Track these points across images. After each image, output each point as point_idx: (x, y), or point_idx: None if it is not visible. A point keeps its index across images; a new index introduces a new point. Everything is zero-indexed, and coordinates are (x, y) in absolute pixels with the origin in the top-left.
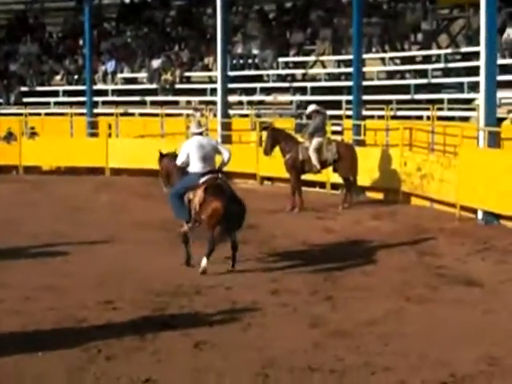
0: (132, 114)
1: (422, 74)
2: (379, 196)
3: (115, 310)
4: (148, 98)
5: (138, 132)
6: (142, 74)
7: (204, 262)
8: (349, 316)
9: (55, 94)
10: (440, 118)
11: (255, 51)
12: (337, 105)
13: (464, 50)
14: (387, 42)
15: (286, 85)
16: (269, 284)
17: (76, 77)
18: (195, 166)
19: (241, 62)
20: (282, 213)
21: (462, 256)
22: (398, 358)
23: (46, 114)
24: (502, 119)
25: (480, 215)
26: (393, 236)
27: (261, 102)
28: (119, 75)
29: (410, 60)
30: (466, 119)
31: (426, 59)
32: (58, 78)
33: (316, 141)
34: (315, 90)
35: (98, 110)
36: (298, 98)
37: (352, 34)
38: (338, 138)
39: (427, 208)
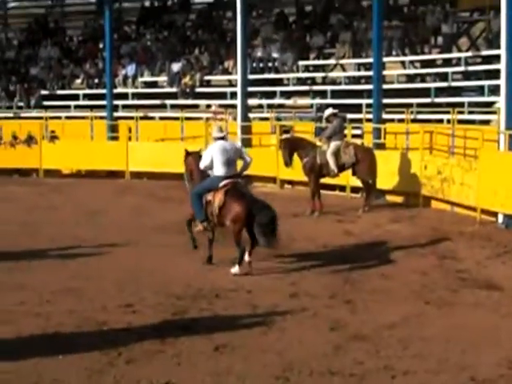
0: (152, 118)
1: (443, 77)
2: (399, 199)
3: (135, 314)
4: (168, 102)
5: (158, 135)
6: (162, 78)
7: (237, 268)
8: (368, 319)
9: (75, 97)
10: (460, 122)
11: (275, 54)
12: (357, 108)
13: (484, 53)
14: (407, 45)
15: (306, 88)
16: (288, 287)
17: (96, 80)
18: (218, 170)
19: (261, 65)
20: (302, 216)
21: (483, 260)
22: (417, 362)
23: (67, 118)
24: None
25: (501, 219)
26: (413, 239)
27: (281, 106)
28: (139, 79)
29: (431, 63)
30: (486, 122)
31: (447, 62)
32: (78, 81)
33: (334, 144)
34: (335, 94)
35: (118, 113)
36: (318, 101)
37: (372, 37)
38: (359, 141)
39: (447, 211)
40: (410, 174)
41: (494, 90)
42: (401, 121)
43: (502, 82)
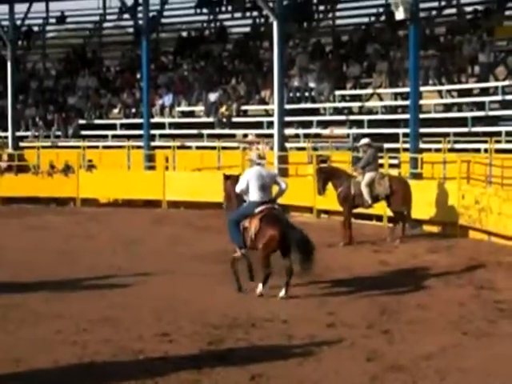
0: (189, 147)
1: (480, 106)
2: (436, 229)
3: (172, 343)
4: (205, 131)
5: (194, 165)
6: (199, 108)
7: (260, 287)
8: (405, 350)
9: (113, 127)
10: (498, 151)
11: (312, 84)
12: (394, 138)
13: None
14: (444, 74)
15: (343, 118)
16: (325, 317)
17: (133, 110)
18: (254, 195)
19: (297, 95)
20: (338, 246)
21: None
22: None
23: (104, 147)
24: None
25: None
26: (450, 269)
27: (317, 135)
28: (176, 108)
29: (467, 92)
30: None
31: (484, 91)
32: (115, 111)
33: (368, 175)
34: (372, 123)
35: (155, 143)
36: (355, 131)
37: (408, 66)
38: (395, 171)
39: (485, 241)
40: (448, 204)
41: None
42: (438, 150)
43: None
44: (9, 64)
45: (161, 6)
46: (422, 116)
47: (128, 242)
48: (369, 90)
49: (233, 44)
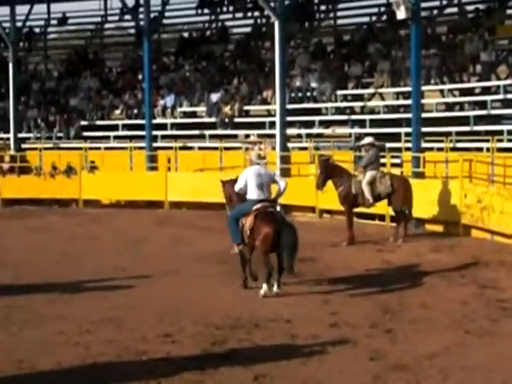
0: (191, 148)
1: (482, 105)
2: (439, 228)
3: (175, 343)
4: (207, 132)
5: (197, 166)
6: (201, 108)
7: (264, 287)
8: (409, 349)
9: (115, 128)
10: (500, 150)
11: (313, 84)
12: (396, 137)
13: None
14: (446, 73)
15: (345, 117)
16: (328, 317)
17: (135, 111)
18: (252, 193)
19: (299, 95)
20: (341, 246)
21: None
22: None
23: (106, 148)
24: None
25: None
26: (452, 269)
27: (319, 135)
28: (178, 109)
29: (469, 91)
30: None
31: (485, 90)
32: (117, 112)
33: (369, 174)
34: (374, 123)
35: (157, 143)
36: (357, 130)
37: (410, 65)
38: (398, 170)
39: (488, 240)
40: (450, 203)
41: None
42: (440, 149)
43: None
44: (10, 66)
45: (162, 6)
46: (423, 115)
47: (131, 243)
48: (371, 90)
49: (234, 44)
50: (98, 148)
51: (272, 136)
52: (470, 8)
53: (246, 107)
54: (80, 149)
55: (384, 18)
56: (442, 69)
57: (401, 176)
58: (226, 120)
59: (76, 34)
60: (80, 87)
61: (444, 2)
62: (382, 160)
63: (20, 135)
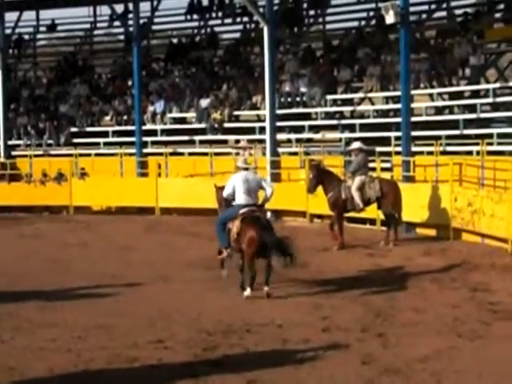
0: (181, 154)
1: (471, 109)
2: (429, 232)
3: (166, 349)
4: (197, 138)
5: (187, 171)
6: (191, 114)
7: (248, 290)
8: (401, 353)
9: (105, 134)
10: (490, 153)
11: (303, 89)
12: (386, 141)
13: None
14: (435, 77)
15: (335, 122)
16: (320, 321)
17: (125, 117)
18: (239, 198)
19: (289, 100)
20: (332, 250)
21: None
22: None
23: (96, 155)
24: None
25: None
26: (444, 272)
27: (309, 140)
28: (168, 115)
29: (459, 95)
30: None
31: (475, 94)
32: (107, 118)
33: (358, 179)
34: (364, 127)
35: (147, 149)
36: (347, 135)
37: (399, 70)
38: (388, 174)
39: (478, 244)
40: (440, 207)
41: None
42: (430, 153)
43: None
44: (0, 73)
45: (151, 12)
46: (413, 119)
47: (121, 250)
48: (360, 94)
49: (224, 50)
50: (89, 154)
51: (262, 141)
52: (458, 12)
53: (236, 112)
54: (70, 155)
55: (373, 22)
56: (431, 73)
57: (390, 180)
58: (216, 125)
59: (65, 40)
60: (70, 94)
61: (433, 6)
62: (373, 164)
63: (10, 142)
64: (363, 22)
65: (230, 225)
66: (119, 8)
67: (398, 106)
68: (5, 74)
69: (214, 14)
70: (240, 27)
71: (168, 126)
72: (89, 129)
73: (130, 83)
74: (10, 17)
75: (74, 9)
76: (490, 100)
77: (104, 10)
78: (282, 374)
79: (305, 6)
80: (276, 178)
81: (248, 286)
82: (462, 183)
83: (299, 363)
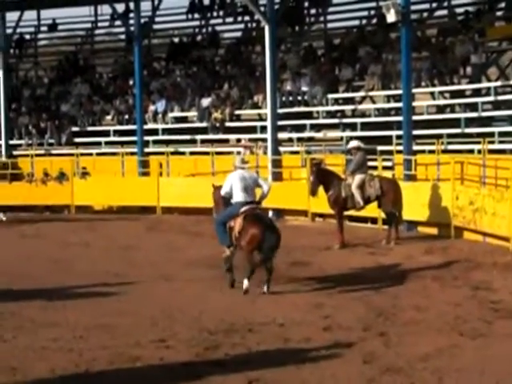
0: (183, 153)
1: (472, 107)
2: (431, 231)
3: (168, 349)
4: (198, 137)
5: (188, 170)
6: (192, 113)
7: (246, 283)
8: (402, 352)
9: (106, 133)
10: (491, 151)
11: (304, 88)
12: (387, 140)
13: None
14: (436, 76)
15: (336, 121)
16: (321, 320)
17: (127, 116)
18: (238, 196)
19: (290, 99)
20: (333, 249)
21: None
22: None
23: (98, 154)
24: None
25: None
26: (445, 271)
27: (311, 139)
28: (169, 114)
29: (460, 94)
30: None
31: (476, 92)
32: (108, 117)
33: (358, 178)
34: (365, 126)
35: (148, 149)
36: (348, 133)
37: (401, 68)
38: (389, 173)
39: (480, 242)
40: (442, 205)
41: None
42: (431, 152)
43: None
44: (1, 72)
45: (152, 12)
46: (414, 118)
47: (123, 249)
48: (361, 93)
49: (225, 49)
50: (90, 154)
51: (263, 140)
52: (459, 10)
53: (237, 112)
54: (71, 155)
55: (374, 21)
56: (432, 71)
57: (390, 178)
58: (217, 125)
59: (66, 40)
60: (71, 93)
61: (434, 5)
62: (374, 163)
63: (11, 142)
64: (364, 21)
65: (232, 223)
66: (120, 7)
67: (400, 104)
68: (6, 73)
69: (215, 13)
70: (241, 26)
71: (169, 126)
72: (90, 128)
73: (131, 82)
74: (11, 16)
75: (75, 8)
76: (491, 98)
77: (105, 9)
78: (284, 373)
79: (306, 4)
80: (277, 177)
81: (246, 279)
82: (463, 182)
83: (301, 362)
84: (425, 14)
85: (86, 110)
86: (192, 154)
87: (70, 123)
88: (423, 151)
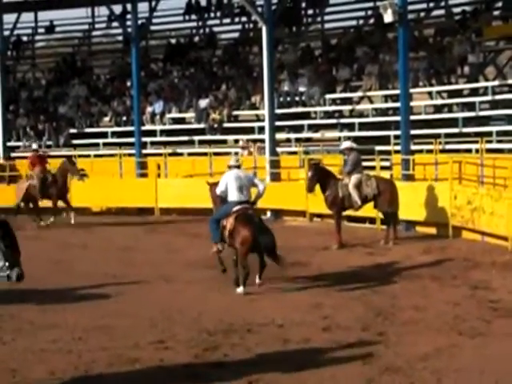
0: (180, 154)
1: (470, 106)
2: (429, 230)
3: (167, 350)
4: (196, 138)
5: (186, 172)
6: (190, 114)
7: (241, 288)
8: (401, 352)
9: (104, 135)
10: (489, 151)
11: (302, 88)
12: (385, 140)
13: (511, 81)
14: (434, 75)
15: (334, 121)
16: (320, 321)
17: (124, 118)
18: (232, 195)
19: (288, 99)
20: (332, 249)
21: None
22: None
23: (96, 156)
24: None
25: None
26: (444, 270)
27: (309, 139)
28: (167, 115)
29: (458, 93)
30: None
31: (474, 92)
32: (106, 119)
33: (355, 177)
34: (363, 126)
35: (146, 150)
36: (346, 134)
37: (398, 68)
38: (387, 173)
39: (478, 242)
40: (440, 205)
41: None
42: (429, 151)
43: None
44: None
45: (149, 13)
46: (412, 118)
47: (122, 250)
48: (359, 93)
49: (222, 50)
50: (88, 155)
51: (261, 141)
52: (456, 10)
53: (235, 112)
54: (69, 156)
55: (371, 21)
56: (429, 71)
57: (386, 178)
58: (215, 126)
59: (64, 41)
60: (68, 95)
61: (431, 5)
62: (372, 163)
63: (9, 144)
64: (362, 21)
65: (224, 222)
66: (117, 9)
67: (397, 104)
68: (3, 75)
69: (212, 14)
70: (238, 27)
71: (167, 127)
72: (88, 130)
73: (128, 84)
74: (9, 18)
75: (72, 10)
76: (488, 98)
77: (102, 10)
78: (284, 374)
79: (303, 5)
80: (275, 177)
81: (241, 284)
82: (461, 181)
83: (300, 363)
84: (422, 14)
85: (83, 112)
86: (190, 155)
87: (67, 125)
88: (421, 151)
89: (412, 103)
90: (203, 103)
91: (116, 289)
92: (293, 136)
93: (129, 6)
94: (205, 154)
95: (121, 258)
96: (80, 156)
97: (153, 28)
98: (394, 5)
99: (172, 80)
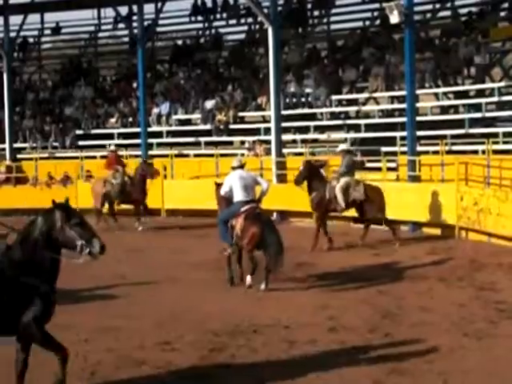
0: (187, 155)
1: (476, 108)
2: (435, 232)
3: (174, 351)
4: (202, 139)
5: (192, 173)
6: (196, 115)
7: (249, 278)
8: (408, 353)
9: (110, 136)
10: (495, 152)
11: (308, 89)
12: (391, 141)
13: None
14: (440, 77)
15: (340, 122)
16: (326, 322)
17: (130, 119)
18: (238, 195)
19: (294, 100)
20: (338, 250)
21: None
22: None
23: (102, 157)
24: None
25: None
26: (450, 271)
27: (315, 141)
28: (173, 117)
29: (464, 94)
30: None
31: (480, 93)
32: (112, 120)
33: (343, 180)
34: (369, 127)
35: (152, 151)
36: (352, 135)
37: (404, 69)
38: (393, 174)
39: (485, 243)
40: (446, 206)
41: None
42: (435, 153)
43: None
44: (5, 76)
45: (156, 14)
46: (418, 119)
47: (128, 252)
48: (365, 94)
49: (228, 51)
50: (94, 157)
51: (267, 142)
52: (463, 11)
53: (241, 114)
54: (76, 158)
55: (377, 22)
56: (436, 72)
57: (374, 186)
58: (221, 127)
59: (70, 43)
60: (75, 96)
61: (437, 6)
62: (379, 164)
63: (15, 145)
64: (368, 22)
65: (233, 222)
66: (123, 10)
67: (403, 105)
68: (10, 77)
69: (218, 16)
70: (244, 28)
71: (173, 128)
72: (94, 131)
73: (134, 85)
74: (15, 20)
75: (78, 11)
76: (495, 99)
77: (108, 12)
78: (290, 375)
79: (309, 6)
80: (282, 178)
81: (248, 274)
82: (467, 182)
83: (307, 364)
84: (428, 15)
85: (89, 113)
86: (196, 156)
87: (73, 126)
88: (427, 152)
89: (418, 104)
90: (209, 104)
91: (122, 290)
92: (299, 137)
93: (135, 8)
94: (211, 155)
95: (127, 259)
96: (86, 157)
97: (159, 29)
98: (401, 6)
99: (178, 81)
